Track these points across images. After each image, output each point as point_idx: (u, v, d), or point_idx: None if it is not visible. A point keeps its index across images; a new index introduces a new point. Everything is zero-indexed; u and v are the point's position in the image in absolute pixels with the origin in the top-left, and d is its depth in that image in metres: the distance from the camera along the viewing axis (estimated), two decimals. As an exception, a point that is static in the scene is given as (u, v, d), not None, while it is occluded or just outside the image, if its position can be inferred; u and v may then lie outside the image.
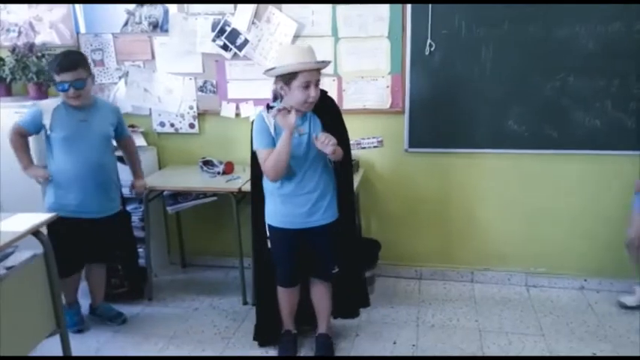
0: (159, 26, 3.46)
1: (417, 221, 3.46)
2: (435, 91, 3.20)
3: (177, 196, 3.34)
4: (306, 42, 3.16)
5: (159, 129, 3.64)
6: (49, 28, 3.58)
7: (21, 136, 2.75)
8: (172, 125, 3.62)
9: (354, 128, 3.38)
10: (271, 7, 3.27)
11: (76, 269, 2.93)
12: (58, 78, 2.62)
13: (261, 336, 2.78)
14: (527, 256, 3.38)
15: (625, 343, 2.75)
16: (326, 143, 2.29)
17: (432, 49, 3.14)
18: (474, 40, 3.08)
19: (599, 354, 2.67)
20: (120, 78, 3.57)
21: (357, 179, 3.19)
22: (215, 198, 3.34)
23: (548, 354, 2.68)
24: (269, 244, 2.59)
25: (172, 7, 3.40)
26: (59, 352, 2.44)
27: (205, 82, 3.50)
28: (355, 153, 3.40)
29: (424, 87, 3.21)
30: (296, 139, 2.38)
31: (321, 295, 2.67)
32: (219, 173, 3.32)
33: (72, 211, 2.73)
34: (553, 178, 3.26)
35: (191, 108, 3.56)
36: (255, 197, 2.64)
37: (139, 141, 3.53)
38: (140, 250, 3.34)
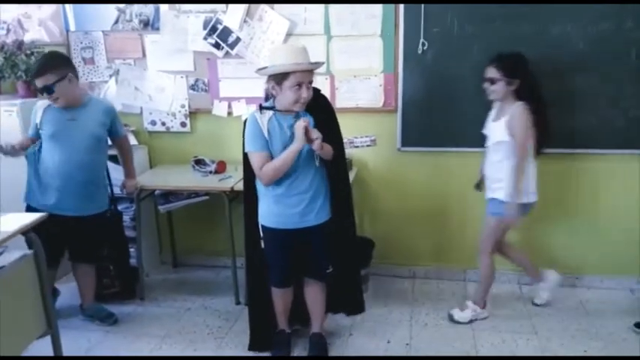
0: (150, 24, 3.43)
1: (411, 220, 3.46)
2: (427, 89, 3.20)
3: (169, 195, 3.32)
4: (299, 41, 3.15)
5: (150, 128, 3.61)
6: (38, 25, 3.54)
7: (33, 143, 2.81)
8: (164, 124, 3.59)
9: (347, 127, 3.37)
10: (263, 6, 3.25)
11: (52, 265, 2.76)
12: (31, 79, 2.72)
13: (257, 344, 2.74)
14: (520, 254, 3.39)
15: (617, 341, 2.77)
16: (310, 136, 2.30)
17: (425, 47, 3.13)
18: (466, 39, 3.09)
19: (590, 351, 2.68)
20: (110, 76, 3.54)
21: (350, 178, 3.17)
22: (207, 197, 3.32)
23: (540, 352, 2.69)
24: (262, 245, 2.57)
25: (163, 5, 3.37)
26: (50, 353, 2.40)
27: (197, 81, 3.48)
28: (348, 152, 3.40)
29: (417, 86, 3.20)
30: (288, 139, 2.36)
31: (315, 295, 2.66)
32: (211, 172, 3.30)
33: (49, 207, 2.69)
34: (545, 175, 3.25)
35: (183, 106, 3.54)
36: (248, 198, 2.61)
37: (130, 140, 3.48)
38: (131, 249, 3.32)
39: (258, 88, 3.36)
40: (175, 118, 3.57)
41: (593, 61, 3.00)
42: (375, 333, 2.89)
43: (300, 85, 2.28)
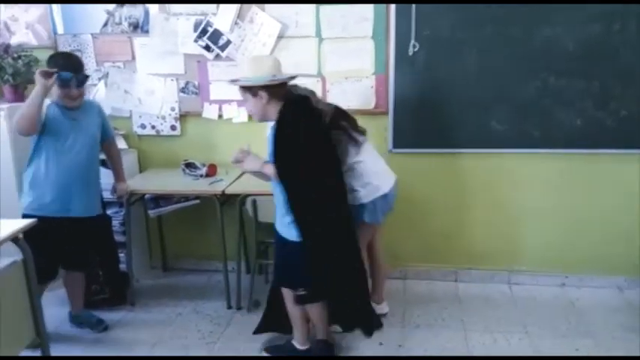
0: (139, 27, 3.41)
1: (401, 221, 3.45)
2: (419, 91, 3.21)
3: (159, 199, 3.29)
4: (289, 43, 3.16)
5: (140, 131, 3.58)
6: (25, 28, 3.49)
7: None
8: (153, 127, 3.56)
9: (339, 129, 3.39)
10: (254, 7, 3.24)
11: (52, 275, 2.81)
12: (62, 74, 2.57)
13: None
14: (510, 254, 3.42)
15: (606, 339, 2.79)
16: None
17: (416, 49, 3.15)
18: (457, 41, 3.11)
19: (581, 349, 2.70)
20: (100, 79, 3.51)
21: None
22: (198, 201, 3.30)
23: (532, 351, 2.71)
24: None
25: (153, 8, 3.35)
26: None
27: (187, 83, 3.46)
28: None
29: (408, 87, 3.21)
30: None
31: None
32: (202, 176, 3.28)
33: (54, 210, 2.65)
34: (535, 176, 3.30)
35: (173, 109, 3.51)
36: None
37: (120, 144, 3.45)
38: (121, 254, 3.28)
39: (249, 90, 3.38)
40: (165, 122, 3.54)
41: (582, 62, 3.03)
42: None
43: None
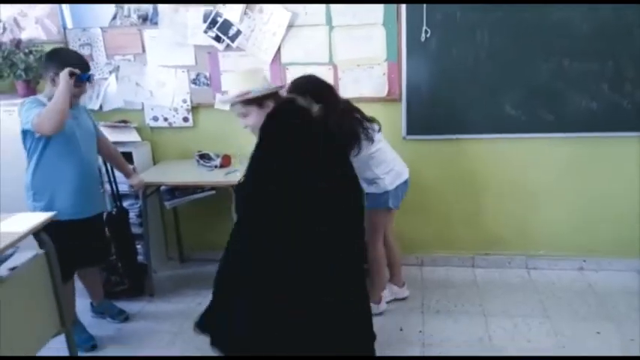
0: (148, 19, 3.39)
1: (417, 208, 3.45)
2: (431, 77, 3.19)
3: (175, 190, 3.30)
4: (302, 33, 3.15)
5: (152, 123, 3.58)
6: (35, 23, 3.49)
7: None
8: (166, 119, 3.56)
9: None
10: (264, -4, 3.22)
11: (70, 274, 2.75)
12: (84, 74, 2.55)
13: None
14: (527, 238, 3.41)
15: (627, 322, 2.79)
16: None
17: (428, 35, 3.12)
18: (469, 26, 3.08)
19: (603, 332, 2.70)
20: (110, 73, 3.50)
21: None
22: (213, 192, 3.31)
23: (554, 335, 2.71)
24: None
25: None
26: (64, 351, 2.39)
27: (198, 75, 3.45)
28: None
29: (421, 74, 3.20)
30: None
31: None
32: (216, 167, 3.29)
33: (68, 213, 2.58)
34: (550, 160, 3.28)
35: (184, 101, 3.51)
36: None
37: (133, 136, 3.48)
38: (138, 246, 3.30)
39: (262, 80, 3.37)
40: (177, 113, 3.54)
41: (595, 44, 3.00)
42: (388, 322, 2.89)
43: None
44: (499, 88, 3.15)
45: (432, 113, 3.27)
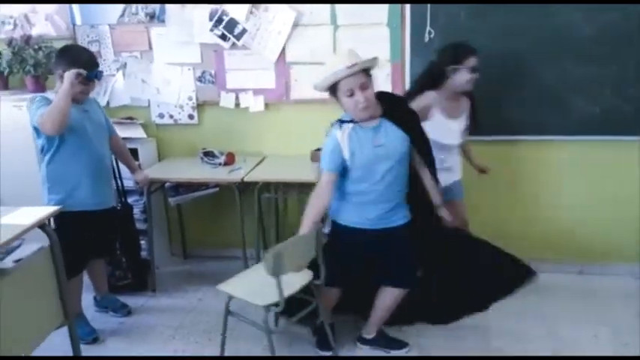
0: (156, 17, 3.44)
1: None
2: (434, 78, 3.21)
3: (179, 187, 3.34)
4: (301, 32, 3.22)
5: (158, 120, 3.63)
6: (45, 20, 3.55)
7: None
8: (171, 116, 3.61)
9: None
10: (270, -4, 3.25)
11: (82, 266, 2.84)
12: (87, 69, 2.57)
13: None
14: (530, 242, 3.41)
15: (624, 326, 2.80)
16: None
17: (432, 36, 3.14)
18: (473, 28, 3.08)
19: (600, 336, 2.72)
20: (118, 69, 3.55)
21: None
22: (217, 189, 3.35)
23: (550, 338, 2.73)
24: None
25: (170, -2, 3.37)
26: (67, 344, 2.44)
27: (204, 73, 3.49)
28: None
29: (424, 75, 3.21)
30: (371, 151, 2.29)
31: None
32: (220, 164, 3.32)
33: (84, 204, 2.67)
34: (550, 163, 3.29)
35: (190, 99, 3.55)
36: None
37: (138, 132, 3.52)
38: (142, 242, 3.35)
39: (265, 79, 3.41)
40: (183, 111, 3.58)
41: (599, 48, 3.01)
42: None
43: (351, 91, 2.20)
44: (502, 90, 3.16)
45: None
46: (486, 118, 3.20)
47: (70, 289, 2.67)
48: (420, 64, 3.19)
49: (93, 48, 3.50)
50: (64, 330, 2.42)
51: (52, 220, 2.54)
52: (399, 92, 3.26)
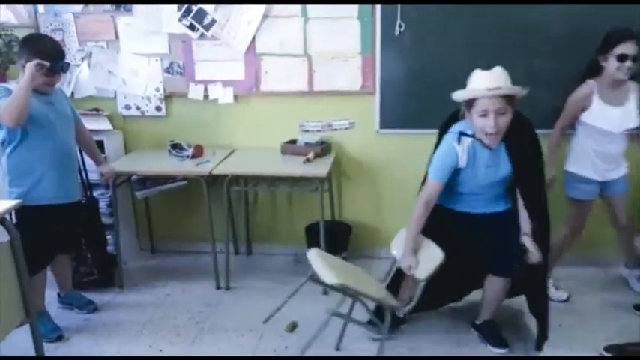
0: (122, 5, 3.35)
1: (388, 202, 3.50)
2: (405, 72, 3.22)
3: (146, 180, 3.28)
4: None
5: (124, 112, 3.55)
6: (6, 7, 3.42)
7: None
8: (138, 108, 3.53)
9: (325, 110, 3.40)
10: (239, -14, 3.20)
11: (47, 262, 2.77)
12: (52, 64, 2.49)
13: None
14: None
15: (589, 315, 2.87)
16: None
17: (402, 29, 3.14)
18: (443, 22, 3.10)
19: (564, 325, 2.77)
20: (83, 59, 3.45)
21: (328, 162, 3.19)
22: (185, 182, 3.29)
23: (519, 329, 2.76)
24: None
25: (136, -14, 3.29)
26: (29, 343, 2.37)
27: (172, 63, 3.42)
28: (327, 135, 3.42)
29: (395, 68, 3.22)
30: (483, 171, 2.31)
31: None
32: (188, 157, 3.27)
33: (49, 197, 2.61)
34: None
35: (157, 90, 3.48)
36: None
37: (104, 125, 3.43)
38: (108, 237, 3.28)
39: (235, 70, 3.37)
40: (150, 102, 3.50)
41: (567, 44, 3.05)
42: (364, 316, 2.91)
43: (485, 112, 2.16)
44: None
45: (405, 107, 3.30)
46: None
47: (34, 286, 2.62)
48: (390, 57, 3.20)
49: (57, 37, 3.38)
50: (26, 328, 2.35)
51: (13, 214, 2.50)
52: (370, 85, 3.27)
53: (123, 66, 3.45)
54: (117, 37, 3.40)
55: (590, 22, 2.99)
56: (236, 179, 3.18)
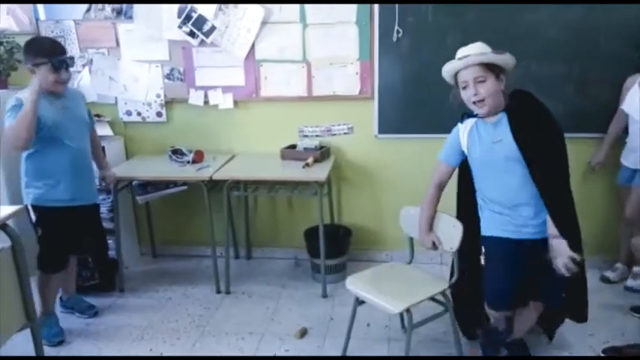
0: (123, 12, 3.38)
1: (387, 206, 3.52)
2: (403, 77, 3.24)
3: (147, 185, 3.30)
4: (276, 29, 3.16)
5: (125, 118, 3.58)
6: (7, 14, 3.46)
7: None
8: (139, 114, 3.56)
9: (324, 115, 3.43)
10: (239, -7, 3.23)
11: (65, 263, 2.81)
12: (52, 59, 2.50)
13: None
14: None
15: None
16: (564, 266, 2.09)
17: (400, 35, 3.17)
18: (440, 27, 3.13)
19: (562, 327, 2.78)
20: (84, 66, 3.48)
21: (327, 166, 3.22)
22: (185, 187, 3.32)
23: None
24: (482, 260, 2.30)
25: (137, -7, 3.33)
26: (30, 347, 2.39)
27: (172, 70, 3.45)
28: (326, 140, 3.45)
29: (393, 73, 3.24)
30: (488, 147, 2.19)
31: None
32: (188, 162, 3.29)
33: (65, 200, 2.66)
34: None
35: (158, 96, 3.51)
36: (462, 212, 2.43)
37: (106, 130, 3.46)
38: (109, 241, 3.29)
39: (235, 76, 3.40)
40: (151, 108, 3.54)
41: (563, 48, 3.08)
42: (357, 317, 2.93)
43: (466, 84, 2.14)
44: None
45: (403, 112, 3.32)
46: (456, 117, 3.27)
47: (49, 285, 2.77)
48: (388, 62, 3.23)
49: (57, 44, 3.43)
50: (27, 332, 2.37)
51: (32, 214, 2.63)
52: (368, 90, 3.30)
53: (124, 72, 3.48)
54: (118, 43, 3.43)
55: (585, 27, 3.03)
56: (236, 184, 3.20)
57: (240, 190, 3.29)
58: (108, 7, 3.38)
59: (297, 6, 3.21)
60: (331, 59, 3.29)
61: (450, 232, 2.40)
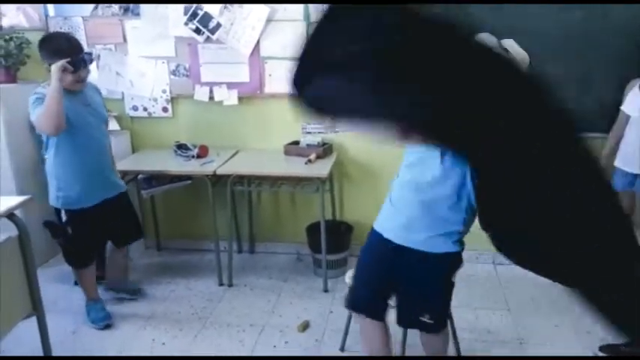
0: (130, 9, 3.44)
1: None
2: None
3: (152, 179, 3.35)
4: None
5: (132, 113, 3.63)
6: (17, 10, 3.52)
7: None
8: (145, 109, 3.61)
9: (327, 111, 3.45)
10: (244, -9, 3.28)
11: (91, 259, 2.87)
12: (70, 60, 2.50)
13: None
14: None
15: (583, 316, 2.88)
16: None
17: (403, 33, 3.19)
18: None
19: (560, 325, 2.81)
20: (91, 61, 3.53)
21: (330, 163, 3.25)
22: (189, 182, 3.37)
23: (514, 327, 2.81)
24: None
25: (144, -10, 3.38)
26: (36, 334, 2.44)
27: (178, 66, 3.50)
28: (328, 137, 3.48)
29: (395, 71, 3.27)
30: None
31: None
32: (193, 157, 3.34)
33: (94, 199, 2.71)
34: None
35: (164, 92, 3.56)
36: None
37: (112, 125, 3.51)
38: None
39: (239, 73, 3.44)
40: (157, 103, 3.59)
41: (565, 48, 3.10)
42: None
43: None
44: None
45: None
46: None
47: (83, 278, 2.89)
48: (391, 60, 3.25)
49: (66, 39, 3.49)
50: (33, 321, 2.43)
51: (63, 215, 2.71)
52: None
53: (130, 68, 3.53)
54: (125, 40, 3.49)
55: (585, 28, 3.05)
56: (240, 179, 3.24)
57: (243, 185, 3.33)
58: (115, 4, 3.43)
59: (301, 5, 3.25)
60: (334, 57, 3.32)
61: None
